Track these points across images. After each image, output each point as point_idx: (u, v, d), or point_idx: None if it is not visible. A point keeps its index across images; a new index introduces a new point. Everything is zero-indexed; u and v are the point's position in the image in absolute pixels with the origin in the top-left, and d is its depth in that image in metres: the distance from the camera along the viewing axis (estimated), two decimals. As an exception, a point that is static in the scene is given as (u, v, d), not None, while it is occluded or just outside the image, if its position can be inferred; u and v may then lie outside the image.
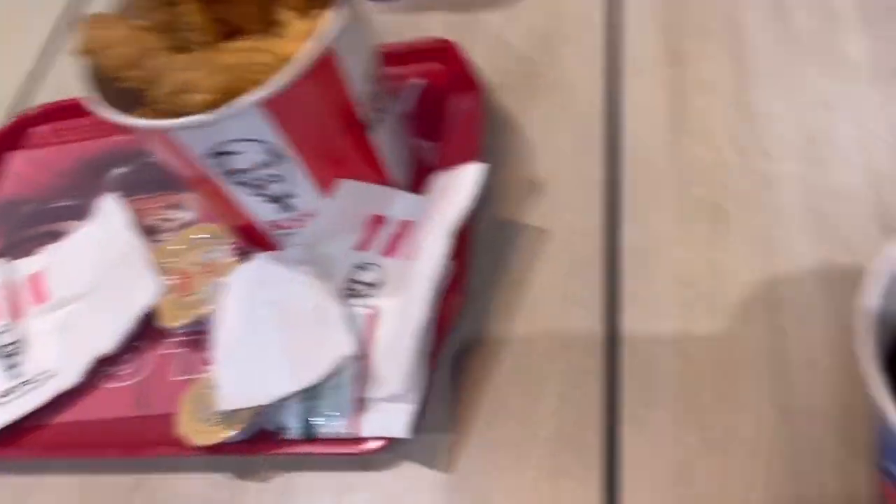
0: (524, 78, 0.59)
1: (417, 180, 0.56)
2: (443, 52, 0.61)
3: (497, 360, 0.46)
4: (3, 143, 0.71)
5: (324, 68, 0.44)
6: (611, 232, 0.49)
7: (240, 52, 0.43)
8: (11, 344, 0.56)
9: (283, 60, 0.43)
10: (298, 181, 0.48)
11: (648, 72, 0.56)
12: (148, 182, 0.64)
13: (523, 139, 0.56)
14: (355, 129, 0.49)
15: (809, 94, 0.51)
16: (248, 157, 0.45)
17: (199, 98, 0.41)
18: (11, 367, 0.55)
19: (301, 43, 0.44)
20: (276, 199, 0.49)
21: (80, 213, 0.64)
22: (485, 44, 0.62)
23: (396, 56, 0.63)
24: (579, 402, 0.43)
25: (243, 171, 0.46)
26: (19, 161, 0.70)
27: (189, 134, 0.44)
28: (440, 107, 0.58)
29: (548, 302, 0.48)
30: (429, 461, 0.44)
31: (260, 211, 0.51)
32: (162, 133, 0.44)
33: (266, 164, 0.46)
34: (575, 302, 0.47)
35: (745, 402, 0.41)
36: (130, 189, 0.64)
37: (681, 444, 0.41)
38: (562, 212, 0.51)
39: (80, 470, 0.50)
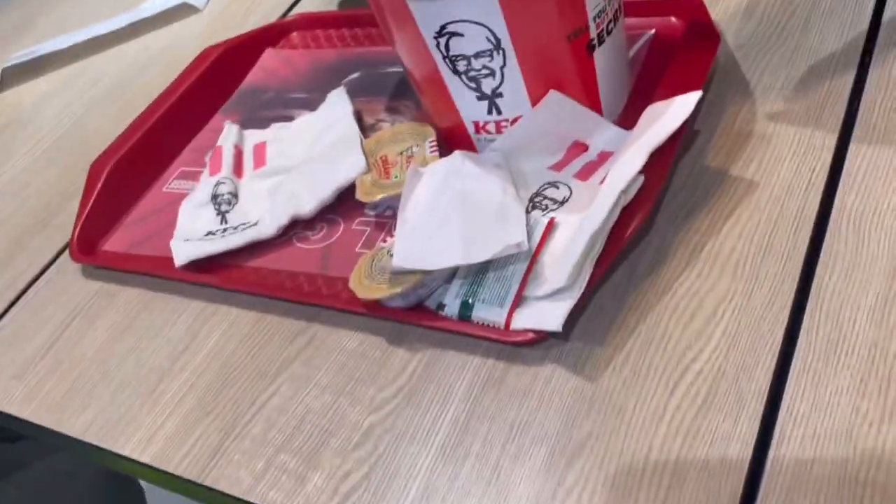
0: (767, 39, 0.56)
1: (627, 119, 0.55)
2: (687, 6, 0.60)
3: (668, 292, 0.44)
4: (261, 39, 0.79)
5: (562, -36, 0.44)
6: (828, 194, 0.45)
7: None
8: (228, 194, 0.61)
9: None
10: (511, 79, 0.49)
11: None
12: (374, 87, 0.68)
13: (752, 96, 0.53)
14: (579, 40, 0.49)
15: None
16: (471, 41, 0.47)
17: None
18: (222, 213, 0.60)
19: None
20: (487, 97, 0.51)
21: (310, 105, 0.69)
22: (730, 7, 0.60)
23: (637, 5, 0.63)
24: (749, 347, 0.41)
25: (465, 56, 0.48)
26: (269, 57, 0.78)
27: (423, 5, 0.46)
28: (669, 59, 0.57)
29: (740, 249, 0.45)
30: (575, 369, 0.43)
31: (470, 108, 0.52)
32: (400, 1, 0.46)
33: (485, 54, 0.48)
34: (771, 253, 0.44)
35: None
36: (359, 92, 0.68)
37: (855, 409, 0.37)
38: (778, 167, 0.48)
39: (257, 307, 0.54)
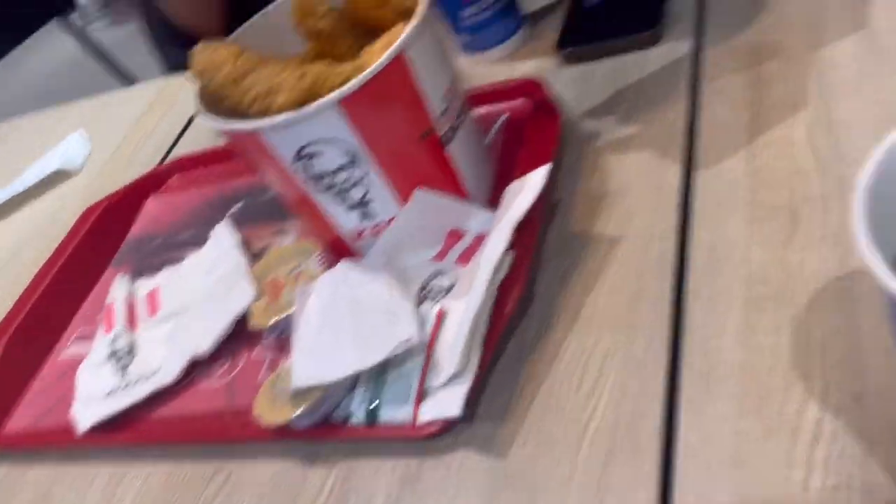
0: (606, 103, 0.61)
1: (497, 201, 0.58)
2: (530, 89, 0.64)
3: (556, 358, 0.46)
4: (142, 189, 0.80)
5: (397, 73, 0.48)
6: (682, 234, 0.49)
7: (323, 63, 0.48)
8: (125, 347, 0.61)
9: (361, 69, 0.48)
10: (376, 185, 0.52)
11: (728, 91, 0.56)
12: (257, 214, 0.70)
13: (600, 157, 0.57)
14: (430, 139, 0.52)
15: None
16: (328, 158, 0.50)
17: (283, 97, 0.46)
18: (121, 368, 0.60)
19: (379, 55, 0.48)
20: (356, 206, 0.53)
21: (199, 243, 0.70)
22: (570, 82, 0.65)
23: (486, 95, 0.67)
24: (639, 393, 0.42)
25: (326, 173, 0.51)
26: (152, 204, 0.79)
27: (276, 134, 0.48)
28: (522, 135, 0.61)
29: (613, 303, 0.47)
30: (484, 450, 0.44)
31: (343, 220, 0.54)
32: (253, 135, 0.49)
33: (345, 167, 0.50)
34: (641, 301, 0.47)
35: (813, 389, 0.39)
36: (244, 221, 0.70)
37: (737, 431, 0.39)
38: (634, 219, 0.51)
39: (167, 458, 0.53)
